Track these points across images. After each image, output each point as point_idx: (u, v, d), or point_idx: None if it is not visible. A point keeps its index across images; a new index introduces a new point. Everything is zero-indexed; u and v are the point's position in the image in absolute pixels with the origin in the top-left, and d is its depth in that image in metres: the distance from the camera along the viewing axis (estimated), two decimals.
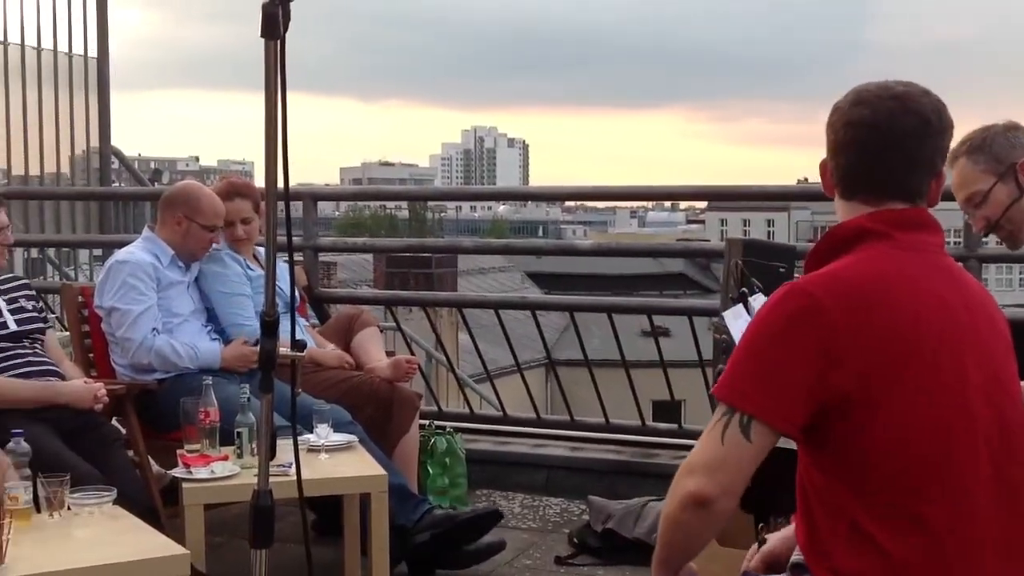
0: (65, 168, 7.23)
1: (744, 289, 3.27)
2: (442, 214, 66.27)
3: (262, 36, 1.94)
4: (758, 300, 3.15)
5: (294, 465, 3.26)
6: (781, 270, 3.51)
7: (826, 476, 1.77)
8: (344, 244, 7.18)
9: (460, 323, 5.94)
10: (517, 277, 27.92)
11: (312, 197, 5.44)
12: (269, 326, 1.99)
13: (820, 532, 1.78)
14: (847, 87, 1.91)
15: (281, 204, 2.01)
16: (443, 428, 4.65)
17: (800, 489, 1.83)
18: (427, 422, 4.64)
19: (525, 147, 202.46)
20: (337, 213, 59.40)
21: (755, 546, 2.09)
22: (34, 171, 7.00)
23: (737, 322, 3.13)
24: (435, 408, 5.43)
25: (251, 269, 4.28)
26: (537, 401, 5.40)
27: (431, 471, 4.46)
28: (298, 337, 2.15)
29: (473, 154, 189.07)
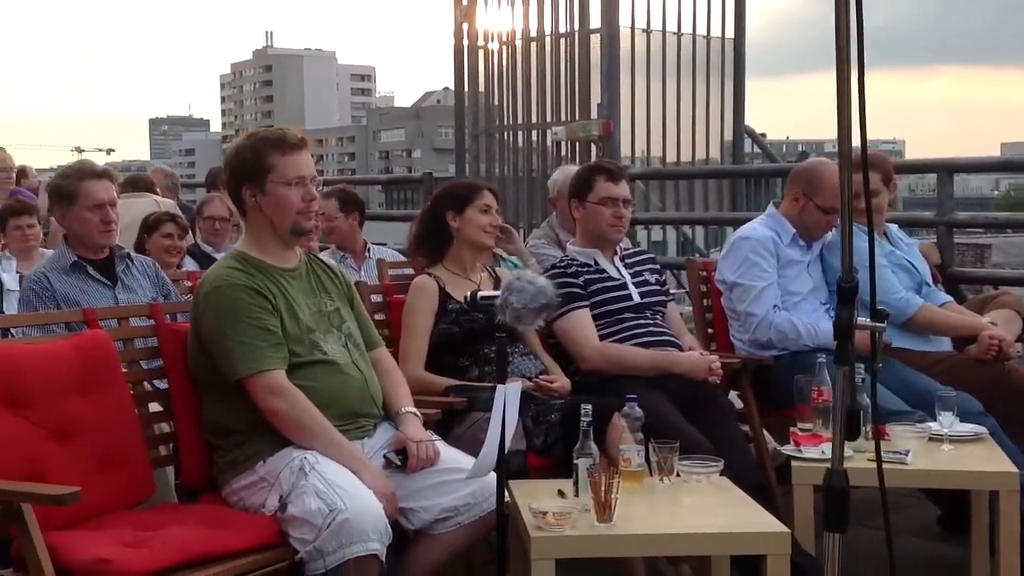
0: (701, 151, 7.53)
1: None
2: None
3: None
4: None
5: (911, 453, 3.07)
6: None
7: None
8: (983, 219, 6.73)
9: None
10: None
11: (947, 169, 5.06)
12: (846, 292, 1.82)
13: None
14: None
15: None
16: None
17: None
18: None
19: None
20: (996, 193, 55.34)
21: None
22: (675, 155, 7.38)
23: None
24: None
25: (879, 244, 4.08)
26: None
27: None
28: None
29: None
